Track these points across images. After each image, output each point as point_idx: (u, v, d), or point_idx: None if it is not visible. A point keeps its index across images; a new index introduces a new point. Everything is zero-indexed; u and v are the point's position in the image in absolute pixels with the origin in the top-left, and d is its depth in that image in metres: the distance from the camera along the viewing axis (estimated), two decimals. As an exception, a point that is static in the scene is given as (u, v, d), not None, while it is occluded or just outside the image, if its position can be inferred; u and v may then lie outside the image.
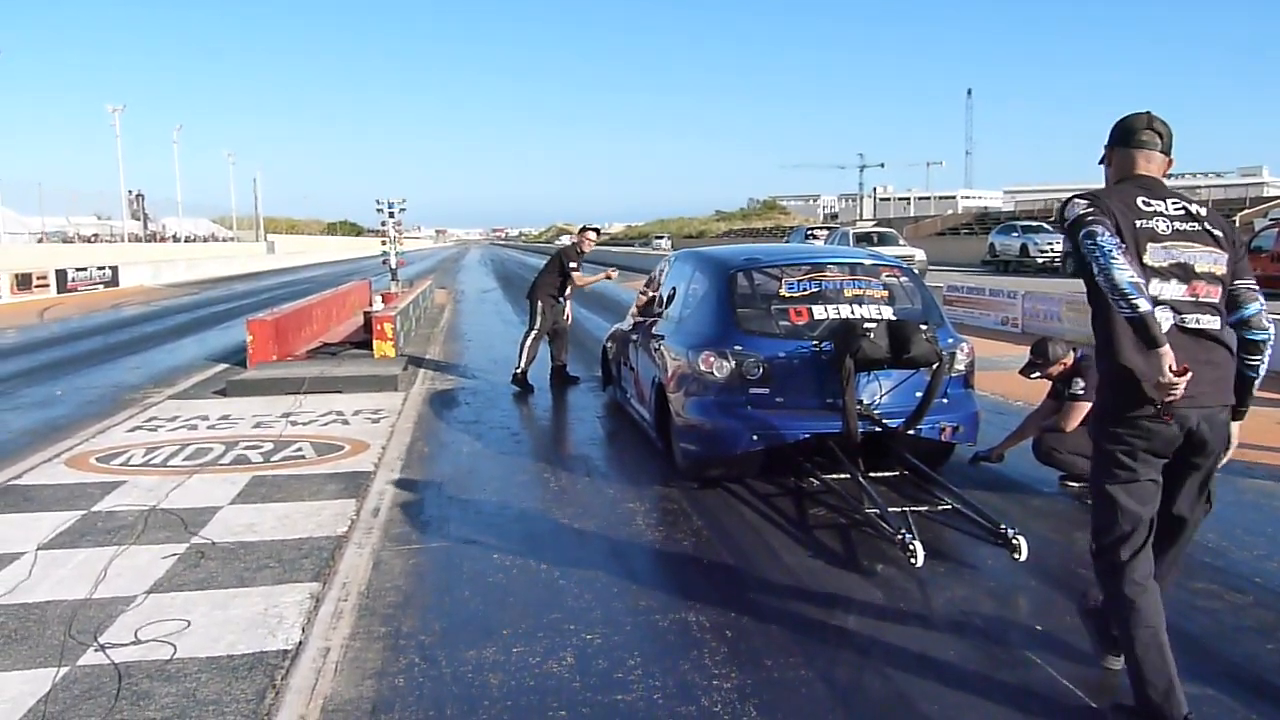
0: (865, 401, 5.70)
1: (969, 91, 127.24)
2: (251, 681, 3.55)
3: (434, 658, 3.75)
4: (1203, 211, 3.09)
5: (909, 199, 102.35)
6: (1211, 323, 2.98)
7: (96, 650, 3.81)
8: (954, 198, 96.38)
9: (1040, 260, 32.21)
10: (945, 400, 5.86)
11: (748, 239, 64.35)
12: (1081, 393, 5.69)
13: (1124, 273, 2.72)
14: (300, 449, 7.38)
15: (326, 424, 8.35)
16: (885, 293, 6.28)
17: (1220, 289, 3.03)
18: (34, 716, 3.30)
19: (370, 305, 14.80)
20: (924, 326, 5.61)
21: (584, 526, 5.45)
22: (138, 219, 58.72)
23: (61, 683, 3.55)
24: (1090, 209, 2.90)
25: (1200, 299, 2.98)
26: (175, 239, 62.59)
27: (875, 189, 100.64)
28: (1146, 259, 2.92)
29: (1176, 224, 3.00)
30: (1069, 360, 5.95)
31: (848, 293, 6.14)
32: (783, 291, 6.17)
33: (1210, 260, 3.00)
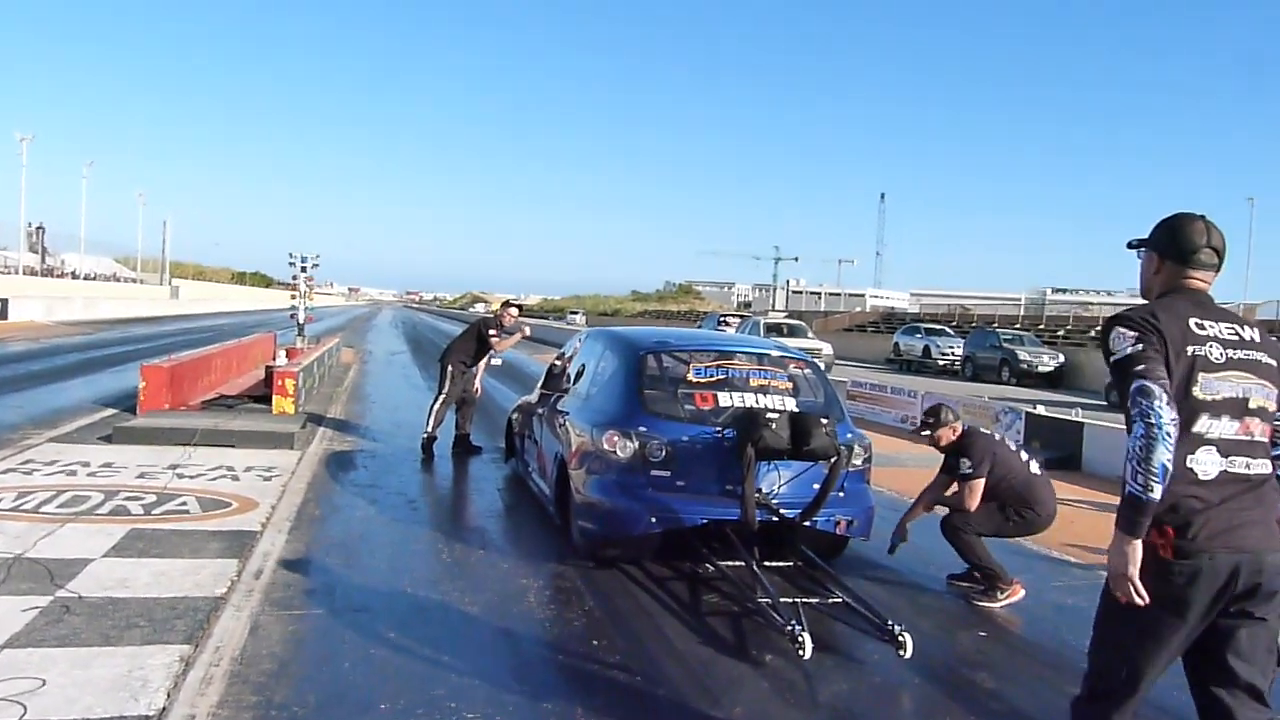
0: (764, 490, 5.74)
1: (882, 196, 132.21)
2: (106, 748, 3.35)
3: (306, 731, 3.59)
4: (1256, 336, 2.77)
5: (820, 293, 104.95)
6: (1262, 468, 2.67)
7: (-62, 707, 3.55)
8: (863, 295, 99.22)
9: (941, 362, 33.28)
10: (842, 494, 5.94)
11: (662, 321, 65.09)
12: (970, 471, 5.82)
13: (1164, 455, 2.44)
14: (185, 503, 7.10)
15: (215, 479, 8.06)
16: (790, 384, 6.39)
17: (1271, 426, 2.75)
18: None
19: (274, 359, 14.46)
20: (825, 420, 5.72)
21: (475, 601, 5.34)
22: (35, 252, 56.73)
23: (-106, 741, 3.30)
24: (1140, 346, 2.59)
25: (1254, 437, 2.68)
26: (75, 276, 60.49)
27: (789, 281, 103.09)
28: (1196, 391, 2.61)
29: (1230, 351, 2.69)
30: (958, 428, 6.10)
31: (754, 382, 6.23)
32: (690, 376, 6.24)
33: (1264, 394, 2.71)
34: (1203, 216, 2.84)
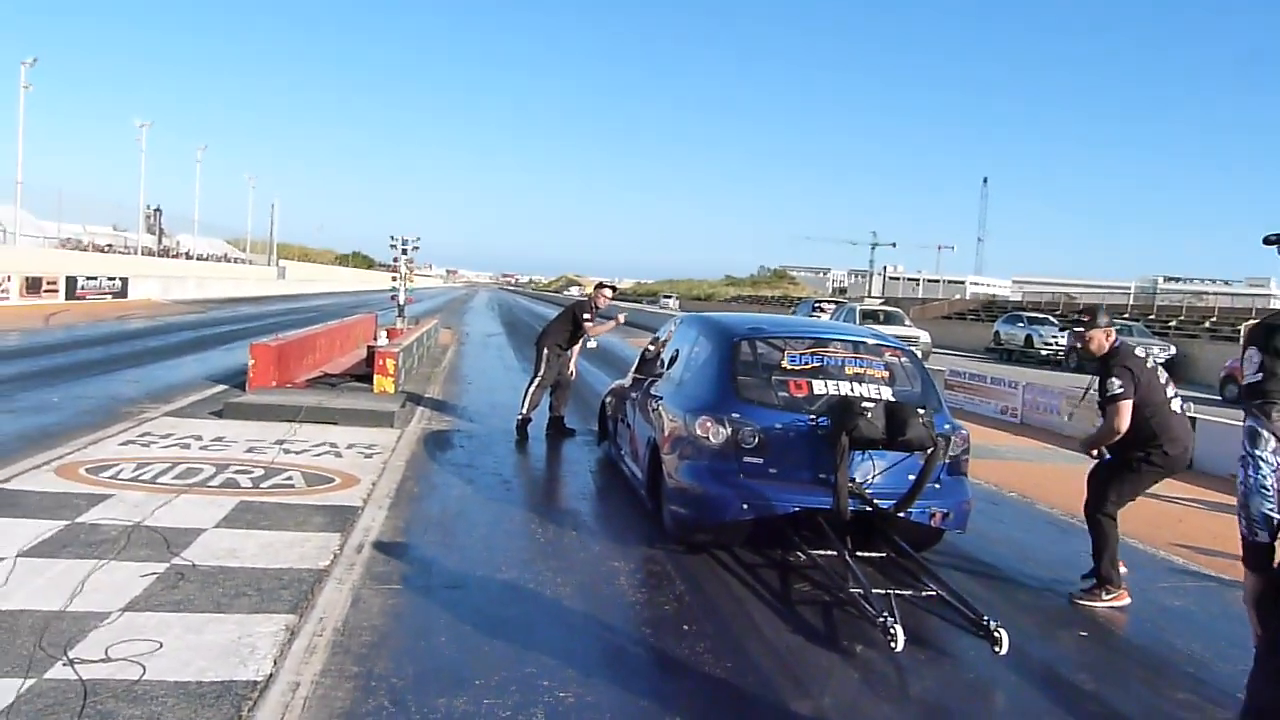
0: (858, 480, 5.69)
1: (985, 179, 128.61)
2: (218, 710, 3.50)
3: (404, 702, 3.70)
4: None
5: (918, 280, 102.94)
6: None
7: (65, 664, 3.77)
8: (963, 283, 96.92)
9: (1044, 352, 32.33)
10: (938, 486, 5.85)
11: (755, 306, 64.68)
12: (1120, 391, 5.56)
13: (1263, 506, 2.36)
14: (291, 478, 7.37)
15: (319, 455, 8.34)
16: (886, 373, 6.30)
17: None
18: (-5, 727, 3.27)
19: (375, 339, 14.84)
20: (921, 410, 5.61)
21: (566, 582, 5.41)
22: (153, 233, 59.21)
23: (26, 695, 3.51)
24: (1261, 376, 2.40)
25: None
26: (188, 256, 63.02)
27: (885, 267, 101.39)
28: None
29: None
30: (1111, 334, 5.83)
31: (849, 370, 6.17)
32: (784, 363, 6.21)
33: None
34: None
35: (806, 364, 6.17)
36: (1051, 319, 36.34)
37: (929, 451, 5.55)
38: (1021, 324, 35.10)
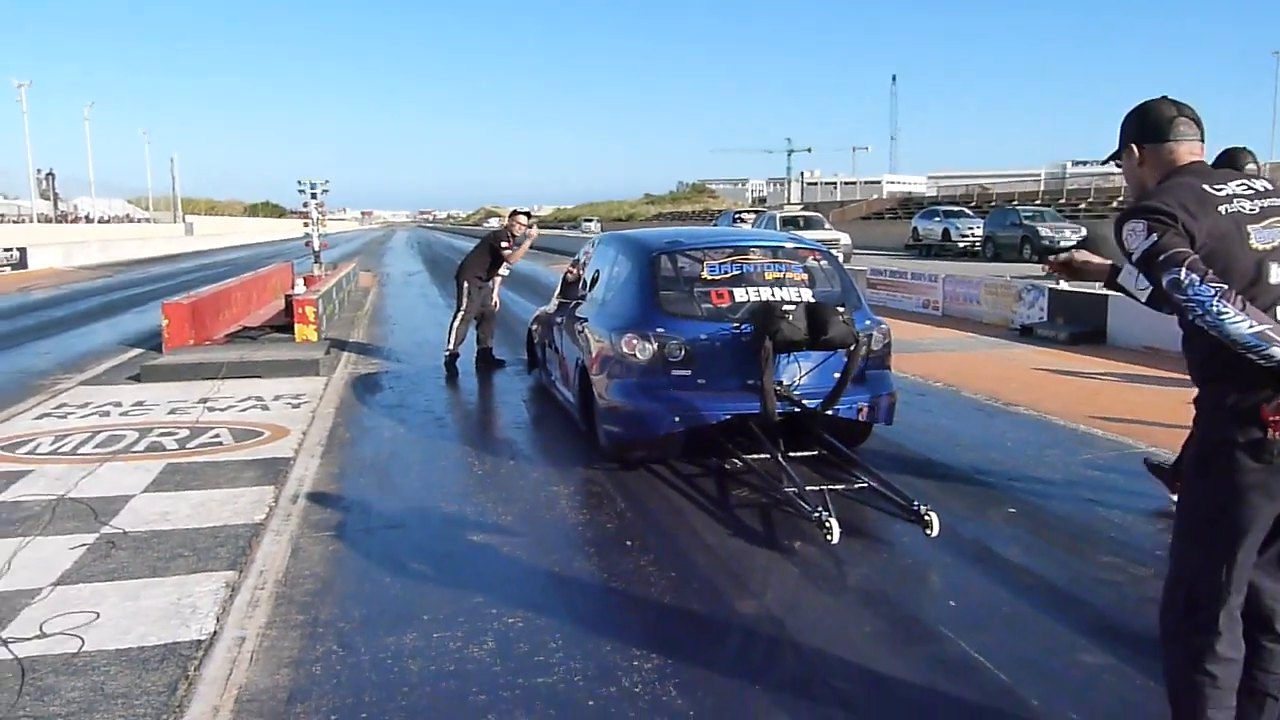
0: (785, 382, 5.78)
1: (893, 78, 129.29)
2: (163, 673, 3.47)
3: (352, 645, 3.70)
4: (1269, 186, 2.54)
5: (835, 184, 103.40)
6: None
7: (-1, 645, 3.69)
8: (879, 183, 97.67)
9: (961, 244, 32.90)
10: (864, 381, 5.99)
11: (677, 222, 64.48)
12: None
13: (1241, 325, 2.25)
14: (217, 435, 7.22)
15: (245, 409, 8.17)
16: (805, 276, 6.36)
17: None
18: (-69, 714, 3.19)
19: (292, 288, 14.50)
20: (841, 309, 5.71)
21: (508, 511, 5.43)
22: (47, 199, 56.74)
23: (-39, 679, 3.43)
24: (1155, 236, 2.35)
25: None
26: (88, 220, 60.57)
27: (802, 173, 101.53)
28: (1254, 243, 2.41)
29: (1259, 202, 2.47)
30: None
31: (768, 275, 6.22)
32: (705, 274, 6.23)
33: None
34: (1164, 96, 2.63)
35: (726, 273, 6.20)
36: (967, 211, 36.92)
37: (851, 349, 5.64)
38: (938, 218, 35.57)
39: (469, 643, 3.70)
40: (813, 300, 5.92)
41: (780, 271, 6.28)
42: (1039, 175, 54.06)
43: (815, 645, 3.70)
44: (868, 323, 6.20)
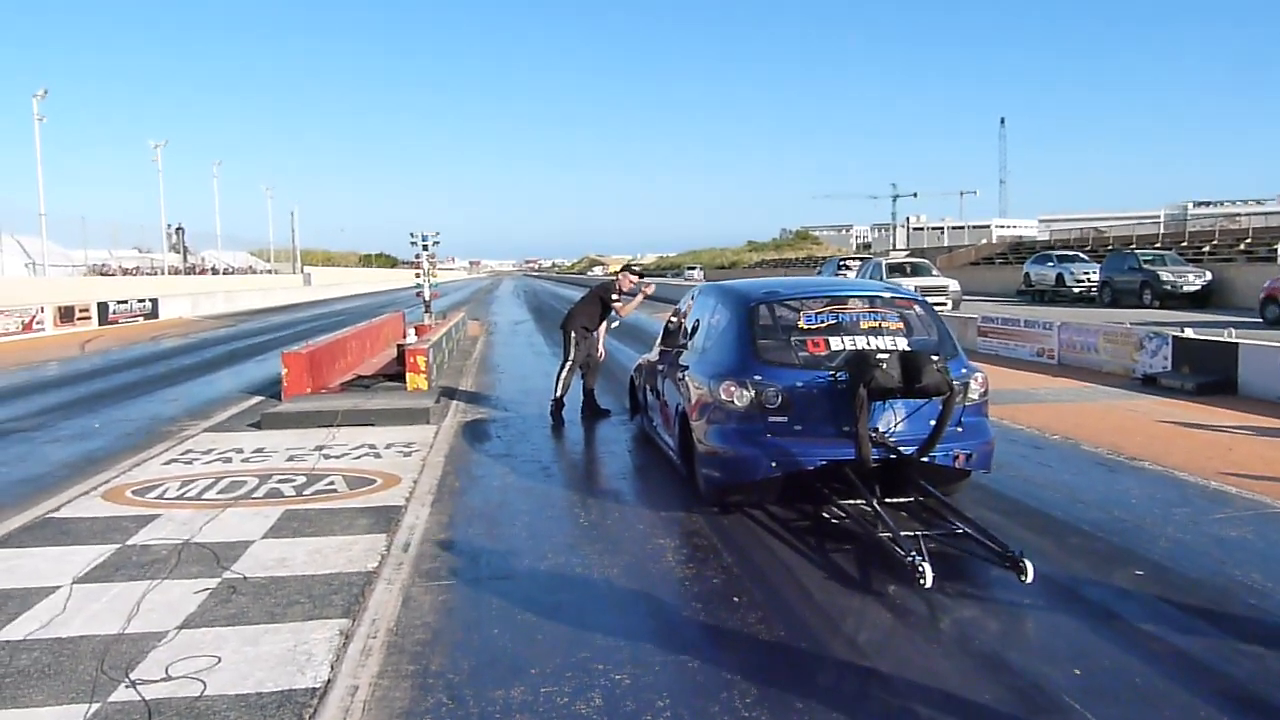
0: (881, 429, 5.82)
1: (1002, 120, 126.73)
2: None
3: (462, 697, 3.72)
4: None
5: (943, 228, 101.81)
6: None
7: (128, 686, 3.82)
8: (988, 227, 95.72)
9: (1076, 290, 31.90)
10: (960, 429, 5.98)
11: (780, 269, 64.31)
12: None
13: None
14: (333, 482, 7.42)
15: (359, 457, 8.39)
16: (901, 324, 6.41)
17: None
18: (64, 754, 3.31)
19: (404, 338, 14.90)
20: (935, 357, 5.73)
21: (614, 564, 5.41)
22: (177, 251, 59.71)
23: (92, 719, 3.56)
24: None
25: None
26: (214, 271, 63.58)
27: (908, 219, 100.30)
28: None
29: None
30: None
31: (864, 324, 6.28)
32: (801, 323, 6.32)
33: None
34: None
35: (823, 322, 6.29)
36: (1081, 255, 35.81)
37: (946, 396, 5.61)
38: (1051, 263, 34.61)
39: (576, 699, 3.68)
40: (907, 349, 5.95)
41: (876, 320, 6.34)
42: (1158, 217, 52.26)
43: (909, 687, 3.55)
44: (964, 370, 6.21)
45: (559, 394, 10.20)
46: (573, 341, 10.35)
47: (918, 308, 6.77)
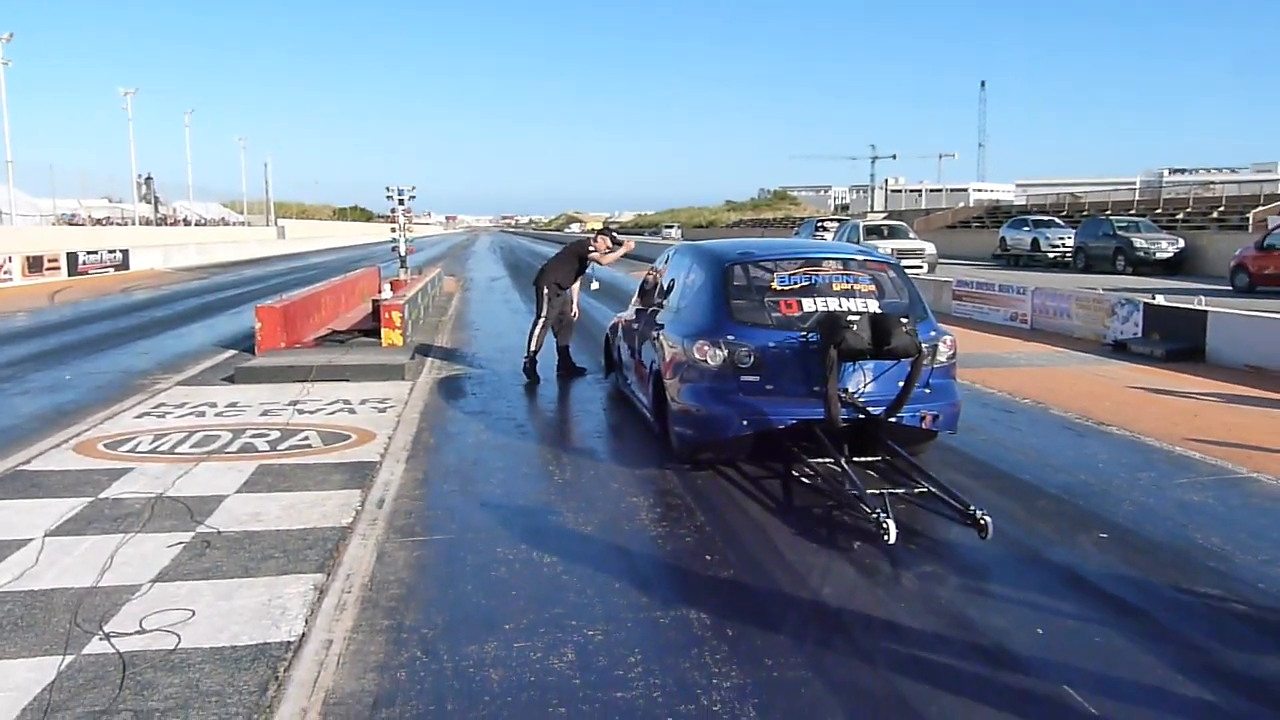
0: (850, 390, 5.92)
1: (982, 84, 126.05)
2: (254, 673, 3.57)
3: (436, 652, 3.76)
4: None
5: (920, 191, 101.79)
6: None
7: (101, 639, 3.83)
8: (966, 190, 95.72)
9: (1051, 255, 32.06)
10: (928, 390, 6.08)
11: (758, 230, 64.26)
12: None
13: None
14: (307, 437, 7.41)
15: (334, 413, 8.38)
16: (873, 287, 6.48)
17: None
18: (39, 705, 3.33)
19: (379, 293, 14.82)
20: (905, 320, 5.80)
21: (588, 521, 5.46)
22: (148, 202, 58.79)
23: (66, 671, 3.57)
24: None
25: None
26: (186, 222, 62.73)
27: (887, 181, 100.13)
28: None
29: None
30: None
31: (837, 286, 6.36)
32: (775, 285, 6.41)
33: None
34: None
35: (796, 284, 6.37)
36: (1058, 220, 35.98)
37: (914, 358, 5.70)
38: (1027, 228, 34.73)
39: (549, 654, 3.73)
40: (878, 311, 6.02)
41: (848, 283, 6.41)
42: (1134, 184, 52.45)
43: (890, 661, 3.64)
44: (933, 334, 6.32)
45: (532, 350, 10.18)
46: (545, 298, 10.29)
47: (890, 271, 6.86)
